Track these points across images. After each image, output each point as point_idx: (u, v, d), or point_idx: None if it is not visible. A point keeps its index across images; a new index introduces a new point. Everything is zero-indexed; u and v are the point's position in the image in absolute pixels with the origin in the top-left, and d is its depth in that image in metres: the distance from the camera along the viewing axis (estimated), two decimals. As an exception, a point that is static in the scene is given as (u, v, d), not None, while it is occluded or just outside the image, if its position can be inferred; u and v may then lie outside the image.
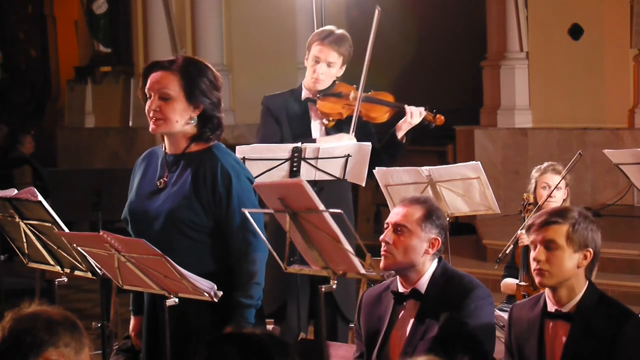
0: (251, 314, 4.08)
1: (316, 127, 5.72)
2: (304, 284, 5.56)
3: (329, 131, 5.70)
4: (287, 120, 5.68)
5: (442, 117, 5.79)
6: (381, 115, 5.73)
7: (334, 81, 5.74)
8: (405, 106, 5.71)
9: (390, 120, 5.76)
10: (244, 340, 2.43)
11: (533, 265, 3.84)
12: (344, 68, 5.75)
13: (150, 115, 4.09)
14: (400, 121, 5.70)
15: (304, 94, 5.74)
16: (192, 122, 4.11)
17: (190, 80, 4.06)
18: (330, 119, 5.69)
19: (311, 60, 5.68)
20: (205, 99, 4.09)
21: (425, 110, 5.74)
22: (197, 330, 4.11)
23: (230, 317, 4.04)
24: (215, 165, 4.09)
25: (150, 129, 4.13)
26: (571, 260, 3.79)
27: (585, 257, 3.80)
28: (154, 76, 4.09)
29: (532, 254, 3.84)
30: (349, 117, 5.65)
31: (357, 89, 5.74)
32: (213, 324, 4.07)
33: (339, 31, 5.73)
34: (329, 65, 5.65)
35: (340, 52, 5.65)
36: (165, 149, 4.21)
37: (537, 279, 3.85)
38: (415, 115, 5.67)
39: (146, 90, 4.11)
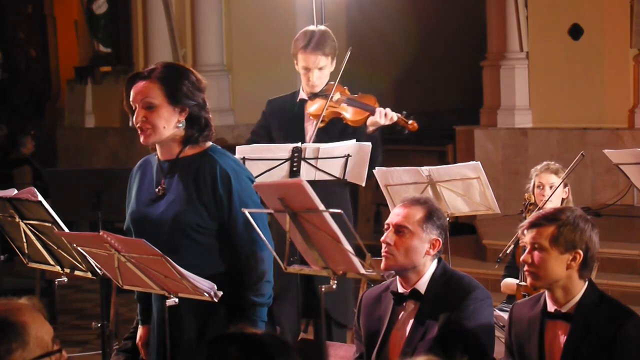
0: (264, 312, 4.10)
1: (309, 128, 5.74)
2: (297, 284, 5.53)
3: (318, 132, 5.69)
4: (282, 121, 5.71)
5: (416, 124, 5.74)
6: (360, 119, 5.70)
7: (328, 82, 5.76)
8: (375, 108, 5.68)
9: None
10: (245, 340, 2.43)
11: (525, 267, 3.86)
12: (335, 61, 5.76)
13: (138, 125, 4.10)
14: (369, 119, 5.65)
15: (300, 95, 5.79)
16: (181, 125, 4.10)
17: (170, 85, 4.07)
18: (320, 120, 5.70)
19: (302, 69, 5.71)
20: (189, 100, 4.09)
21: (400, 115, 5.69)
22: (212, 332, 4.11)
23: (243, 317, 4.05)
24: (214, 167, 4.09)
25: (141, 141, 4.14)
26: (558, 262, 3.78)
27: (574, 258, 3.79)
28: (135, 88, 4.10)
29: (522, 256, 3.86)
30: (335, 120, 5.65)
31: (349, 90, 5.75)
32: (227, 325, 4.07)
33: (318, 32, 5.70)
34: (320, 69, 5.67)
35: (327, 53, 5.66)
36: (158, 156, 4.21)
37: (527, 280, 3.87)
38: (382, 116, 5.62)
39: (131, 103, 4.12)
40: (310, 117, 5.71)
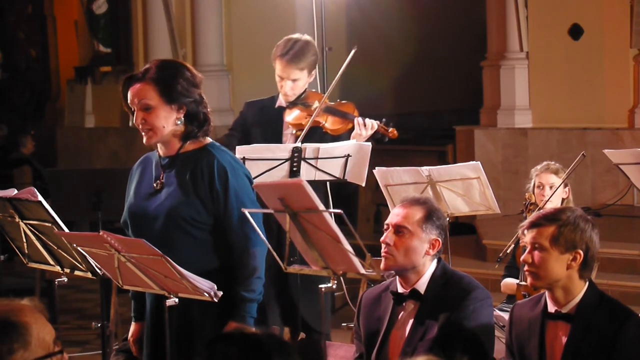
0: (253, 308, 4.13)
1: (288, 136, 5.73)
2: (271, 291, 5.51)
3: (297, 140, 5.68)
4: (260, 125, 5.69)
5: (396, 132, 5.73)
6: (339, 128, 5.70)
7: (305, 89, 5.74)
8: (355, 118, 5.66)
9: (351, 131, 5.70)
10: (244, 340, 2.43)
11: (525, 267, 3.86)
12: (313, 73, 5.75)
13: (139, 127, 4.16)
14: (352, 134, 5.65)
15: (278, 102, 5.77)
16: (179, 122, 4.15)
17: (165, 84, 4.11)
18: (297, 128, 5.69)
19: (277, 77, 5.72)
20: (186, 98, 4.14)
21: (379, 123, 5.68)
22: (202, 326, 4.14)
23: (234, 312, 4.07)
24: (212, 162, 4.13)
25: (144, 142, 4.19)
26: (558, 262, 3.78)
27: (574, 258, 3.78)
28: (131, 90, 4.15)
29: (522, 256, 3.87)
30: (314, 128, 5.64)
31: (327, 99, 5.74)
32: (218, 320, 4.09)
33: (301, 43, 5.68)
34: (294, 81, 5.65)
35: (301, 68, 5.64)
36: (159, 152, 4.25)
37: (528, 280, 3.87)
38: (362, 127, 5.61)
39: (129, 105, 4.17)
40: (289, 126, 5.70)
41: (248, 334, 2.44)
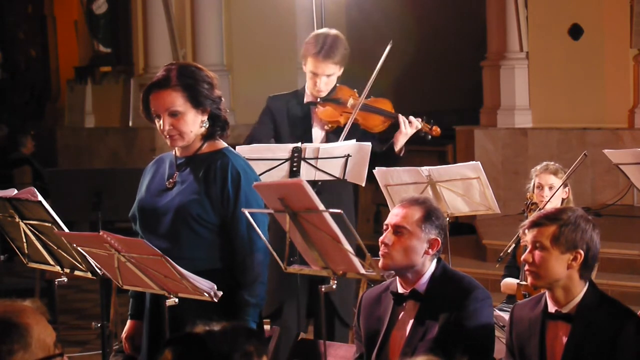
0: (256, 313, 4.15)
1: (317, 132, 5.72)
2: (303, 284, 5.57)
3: (329, 136, 5.69)
4: (288, 122, 5.68)
5: (439, 129, 5.75)
6: (377, 125, 5.71)
7: (335, 85, 5.74)
8: (399, 116, 5.67)
9: (388, 129, 5.72)
10: (188, 340, 2.43)
11: (525, 266, 3.87)
12: (342, 68, 5.74)
13: (165, 134, 4.20)
14: (396, 133, 5.66)
15: (307, 97, 5.74)
16: (205, 125, 4.22)
17: (191, 89, 4.17)
18: (329, 125, 5.69)
19: (309, 73, 5.67)
20: (209, 100, 4.20)
21: (422, 121, 5.69)
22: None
23: (236, 316, 4.08)
24: (227, 164, 4.18)
25: (169, 145, 4.24)
26: (558, 262, 3.78)
27: (575, 258, 3.78)
28: (156, 97, 4.18)
29: (523, 255, 3.87)
30: (352, 125, 5.63)
31: (358, 94, 5.72)
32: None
33: (331, 37, 5.65)
34: (328, 76, 5.65)
35: (336, 62, 5.63)
36: (175, 153, 4.30)
37: (528, 280, 3.87)
38: (408, 125, 5.64)
39: (153, 112, 4.20)
40: (323, 121, 5.68)
41: (195, 334, 2.45)
